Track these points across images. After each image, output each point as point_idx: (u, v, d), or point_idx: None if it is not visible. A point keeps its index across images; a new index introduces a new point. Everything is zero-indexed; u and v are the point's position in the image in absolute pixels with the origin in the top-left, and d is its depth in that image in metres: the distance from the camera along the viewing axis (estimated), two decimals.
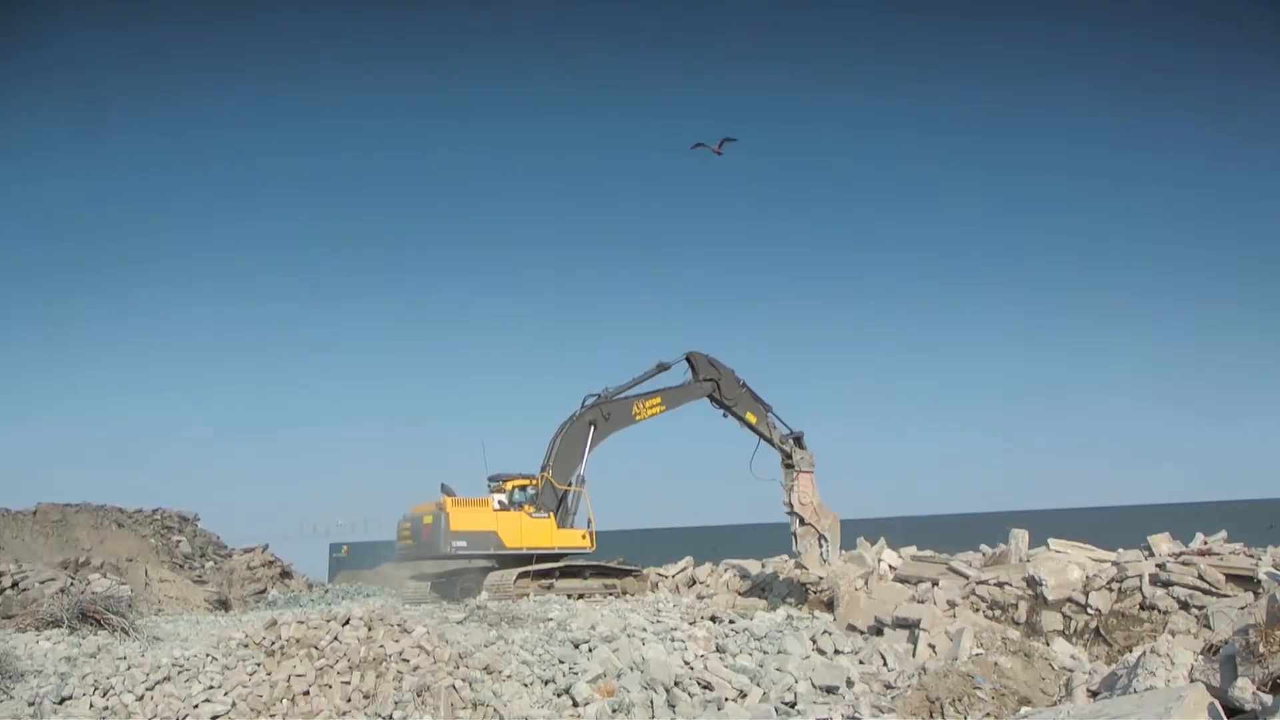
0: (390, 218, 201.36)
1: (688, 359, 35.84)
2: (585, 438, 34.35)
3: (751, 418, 35.79)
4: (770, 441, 35.74)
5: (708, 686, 19.47)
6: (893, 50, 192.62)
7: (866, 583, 30.52)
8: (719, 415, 36.12)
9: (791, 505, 34.44)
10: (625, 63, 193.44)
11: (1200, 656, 14.94)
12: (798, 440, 35.67)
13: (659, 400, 35.67)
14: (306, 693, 17.65)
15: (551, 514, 33.57)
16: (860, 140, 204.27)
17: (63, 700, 17.74)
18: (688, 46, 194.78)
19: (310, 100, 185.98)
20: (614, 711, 17.75)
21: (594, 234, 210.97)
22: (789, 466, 35.29)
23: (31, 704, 17.55)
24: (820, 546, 33.22)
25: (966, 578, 28.75)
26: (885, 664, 23.36)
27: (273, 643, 19.20)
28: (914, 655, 24.68)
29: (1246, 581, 24.43)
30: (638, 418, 35.29)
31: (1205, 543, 27.95)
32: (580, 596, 31.22)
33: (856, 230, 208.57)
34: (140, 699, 17.55)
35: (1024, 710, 18.16)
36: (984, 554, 31.59)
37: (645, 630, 22.85)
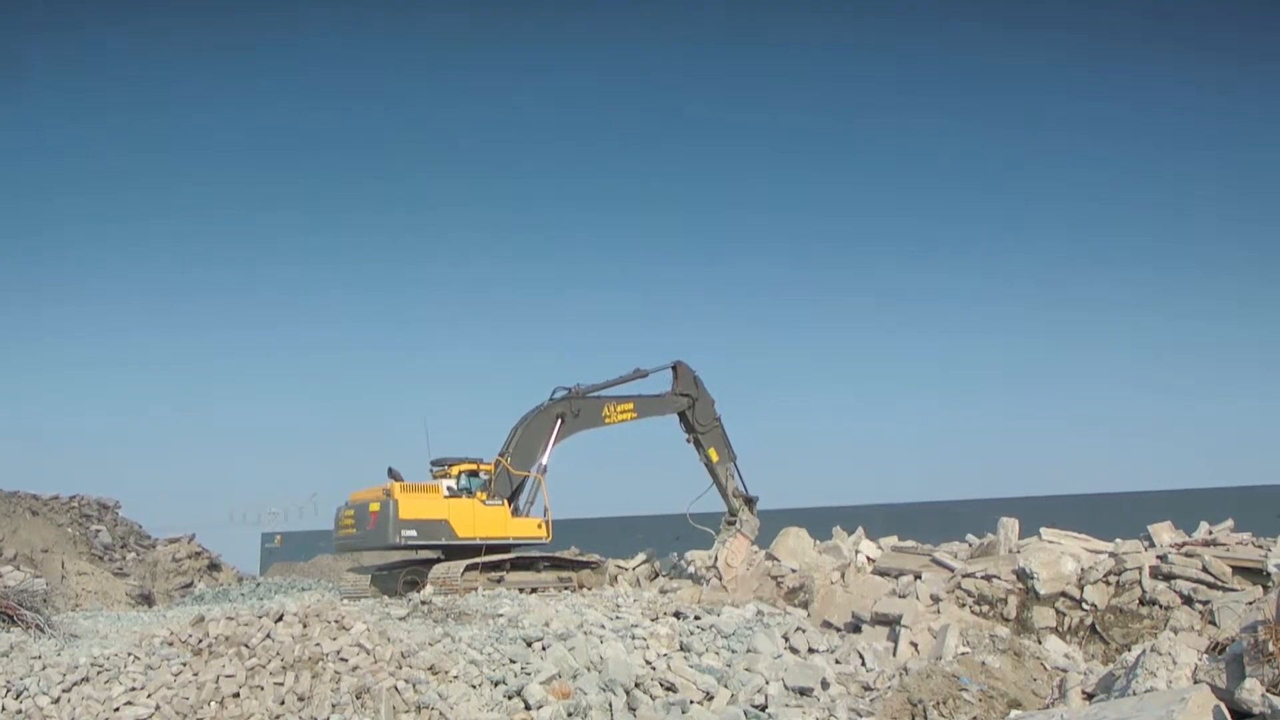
0: (330, 183, 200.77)
1: (674, 367, 36.13)
2: (550, 430, 34.28)
3: (714, 455, 36.29)
4: (722, 490, 36.35)
5: (671, 688, 19.41)
6: (893, 34, 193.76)
7: (843, 576, 30.54)
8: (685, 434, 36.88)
9: (715, 559, 34.85)
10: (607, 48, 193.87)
11: (1205, 655, 14.97)
12: (749, 502, 36.20)
13: (631, 406, 35.83)
14: (236, 694, 17.50)
15: (506, 502, 33.49)
16: (855, 126, 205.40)
17: None
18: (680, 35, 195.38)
19: (249, 55, 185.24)
20: (569, 715, 17.69)
21: (557, 212, 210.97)
22: (730, 524, 36.04)
23: None
24: (698, 589, 33.54)
25: (951, 570, 28.77)
26: (864, 664, 23.37)
27: (200, 641, 19.05)
28: (895, 654, 24.70)
29: (1255, 574, 24.51)
30: (607, 420, 35.44)
31: (1210, 532, 28.04)
32: (533, 591, 31.09)
33: (840, 212, 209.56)
34: (56, 701, 17.35)
35: (1014, 714, 18.19)
36: (970, 544, 31.65)
37: (603, 627, 22.77)
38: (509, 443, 34.10)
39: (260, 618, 19.52)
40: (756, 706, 19.07)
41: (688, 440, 36.63)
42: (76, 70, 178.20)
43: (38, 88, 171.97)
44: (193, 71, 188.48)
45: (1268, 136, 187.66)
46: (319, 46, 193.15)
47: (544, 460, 34.27)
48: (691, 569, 35.18)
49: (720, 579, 34.46)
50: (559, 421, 34.43)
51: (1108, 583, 26.04)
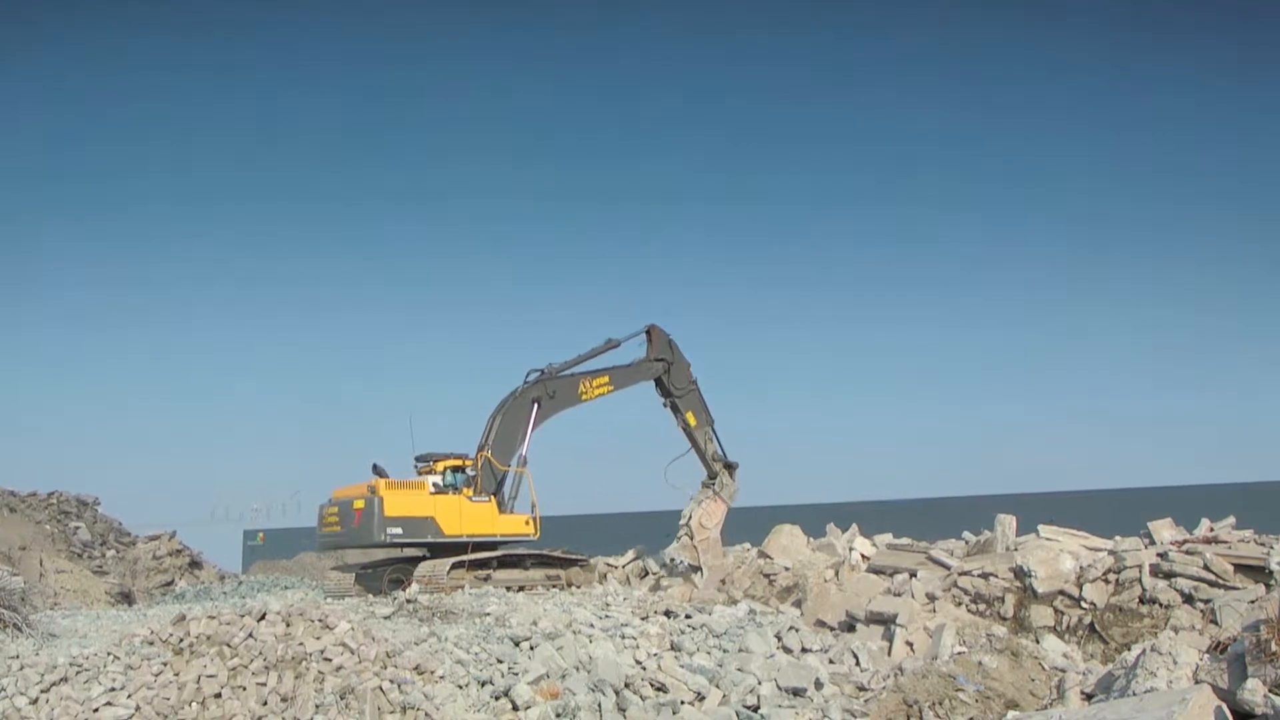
0: (311, 176, 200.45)
1: (648, 331, 36.04)
2: (528, 416, 34.21)
3: (692, 420, 36.46)
4: (701, 454, 36.51)
5: (661, 688, 19.38)
6: (892, 24, 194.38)
7: (837, 574, 30.51)
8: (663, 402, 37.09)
9: (689, 520, 34.96)
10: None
11: (1206, 655, 14.95)
12: (729, 468, 36.54)
13: (607, 380, 35.78)
14: (218, 695, 17.45)
15: (493, 498, 33.42)
16: (850, 116, 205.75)
17: None
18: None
19: (230, 41, 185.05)
20: (558, 716, 17.64)
21: (543, 205, 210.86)
22: (708, 486, 36.35)
23: None
24: (692, 575, 33.65)
25: (948, 568, 28.77)
26: (858, 663, 23.35)
27: (181, 640, 18.99)
28: (890, 654, 24.71)
29: (1257, 572, 24.48)
30: (584, 397, 35.38)
31: (1211, 529, 28.02)
32: (521, 589, 31.05)
33: (835, 204, 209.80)
34: (34, 702, 17.28)
35: (1011, 714, 18.15)
36: (967, 542, 31.62)
37: (592, 626, 22.74)
38: (487, 434, 33.99)
39: (242, 617, 19.47)
40: (749, 707, 19.03)
41: (664, 405, 36.73)
42: (54, 59, 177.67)
43: (18, 75, 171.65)
44: (176, 61, 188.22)
45: (1271, 129, 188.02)
46: (302, 32, 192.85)
47: (524, 450, 34.19)
48: (683, 566, 35.15)
49: (692, 538, 34.57)
50: (535, 406, 34.30)
51: (1107, 581, 26.03)
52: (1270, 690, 12.61)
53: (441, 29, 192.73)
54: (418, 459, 34.23)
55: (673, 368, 36.02)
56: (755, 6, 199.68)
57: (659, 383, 36.29)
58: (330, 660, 18.27)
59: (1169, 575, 25.09)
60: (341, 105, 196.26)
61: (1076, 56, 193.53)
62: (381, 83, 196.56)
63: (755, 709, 18.96)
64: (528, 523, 33.81)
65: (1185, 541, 26.69)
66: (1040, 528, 29.23)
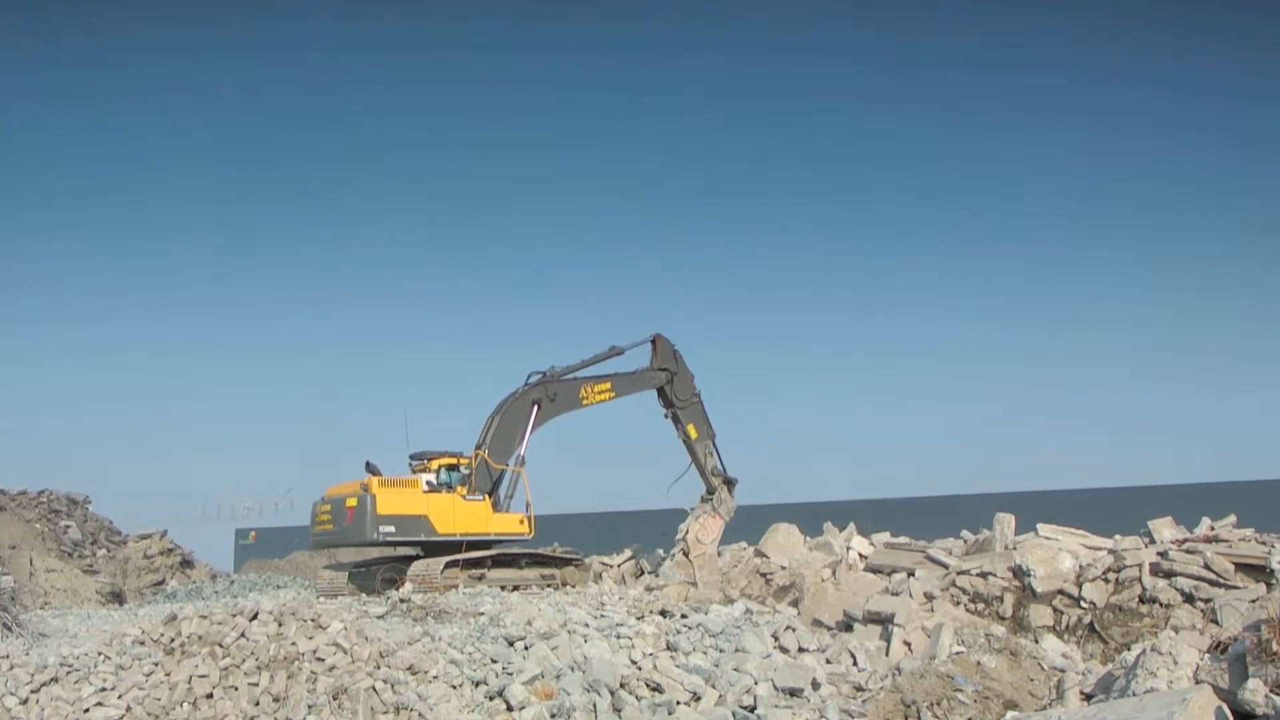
0: (304, 171, 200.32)
1: (653, 340, 36.17)
2: (527, 417, 34.24)
3: (693, 432, 36.53)
4: (701, 468, 36.59)
5: (657, 689, 19.36)
6: (889, 18, 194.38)
7: (834, 573, 30.47)
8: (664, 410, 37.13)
9: (686, 533, 34.99)
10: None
11: (1206, 655, 14.93)
12: (729, 484, 36.57)
13: (609, 386, 35.88)
14: (210, 695, 17.42)
15: (487, 496, 33.41)
16: (850, 110, 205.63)
17: None
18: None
19: (215, 35, 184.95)
20: (552, 716, 17.61)
21: (540, 200, 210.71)
22: (706, 501, 36.37)
23: None
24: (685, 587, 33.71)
25: (946, 567, 28.75)
26: (855, 663, 23.30)
27: (172, 640, 18.98)
28: (887, 654, 24.65)
29: (1258, 571, 24.44)
30: (585, 402, 35.45)
31: (1212, 528, 27.99)
32: (515, 588, 31.06)
33: (832, 199, 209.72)
34: (24, 702, 17.26)
35: (1010, 715, 18.14)
36: (965, 541, 31.60)
37: (587, 626, 22.70)
38: (485, 433, 33.99)
39: (234, 616, 19.45)
40: (745, 707, 19.00)
41: (666, 416, 36.82)
42: (45, 54, 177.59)
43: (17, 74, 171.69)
44: (166, 55, 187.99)
45: (1273, 128, 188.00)
46: (301, 29, 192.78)
47: (522, 450, 34.20)
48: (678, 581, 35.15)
49: (687, 555, 34.55)
50: (535, 408, 34.35)
51: (1106, 580, 26.00)
52: (1271, 690, 12.61)
53: (442, 26, 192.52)
54: (412, 457, 34.21)
55: (676, 378, 36.10)
56: (757, 4, 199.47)
57: (661, 393, 36.35)
58: (323, 660, 18.24)
59: (1169, 574, 25.05)
60: (341, 102, 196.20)
61: (1077, 53, 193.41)
62: (380, 79, 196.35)
63: (752, 709, 18.93)
64: (522, 522, 33.81)
65: (1186, 540, 26.65)
66: (1039, 526, 29.18)
